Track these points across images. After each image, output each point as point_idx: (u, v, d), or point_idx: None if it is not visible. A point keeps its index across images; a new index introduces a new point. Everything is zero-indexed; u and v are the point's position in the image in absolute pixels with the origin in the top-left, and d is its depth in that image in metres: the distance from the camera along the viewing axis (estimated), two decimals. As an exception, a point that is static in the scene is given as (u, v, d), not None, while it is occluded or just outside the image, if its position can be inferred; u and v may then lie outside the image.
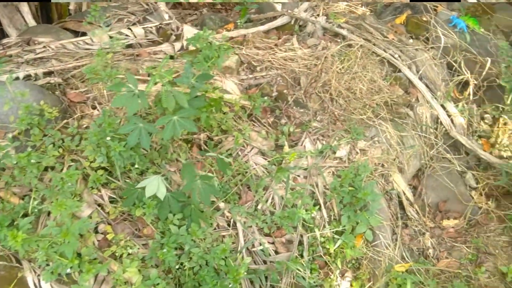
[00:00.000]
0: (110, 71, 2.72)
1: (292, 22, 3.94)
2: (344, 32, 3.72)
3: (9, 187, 2.41)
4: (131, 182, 2.53)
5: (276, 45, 3.63)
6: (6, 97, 2.54)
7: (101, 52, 2.83)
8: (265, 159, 2.88)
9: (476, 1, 4.04)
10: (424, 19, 3.87)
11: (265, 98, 3.13)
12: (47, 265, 2.13)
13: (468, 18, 3.86)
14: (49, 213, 2.33)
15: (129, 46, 3.66)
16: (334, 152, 2.98)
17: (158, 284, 2.18)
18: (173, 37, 3.83)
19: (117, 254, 2.27)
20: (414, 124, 3.33)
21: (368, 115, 3.21)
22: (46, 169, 2.48)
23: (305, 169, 2.88)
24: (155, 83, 2.38)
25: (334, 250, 2.63)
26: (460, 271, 2.86)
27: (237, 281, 2.27)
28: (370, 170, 2.89)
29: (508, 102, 3.47)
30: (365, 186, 2.73)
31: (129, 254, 2.28)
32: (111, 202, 2.48)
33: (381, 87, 3.39)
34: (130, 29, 3.82)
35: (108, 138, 2.38)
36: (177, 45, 3.56)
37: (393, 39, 3.73)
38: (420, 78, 3.54)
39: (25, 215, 2.29)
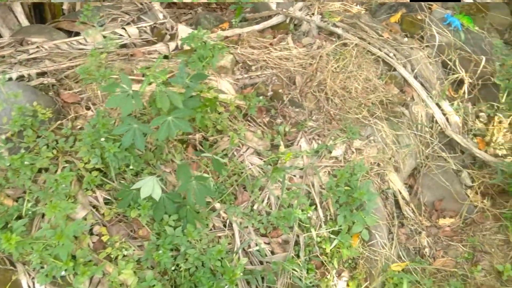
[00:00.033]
0: (104, 71, 2.70)
1: (287, 21, 3.93)
2: (339, 31, 3.72)
3: (3, 189, 2.39)
4: (126, 183, 2.51)
5: (271, 44, 3.62)
6: (-1, 98, 2.52)
7: (95, 52, 2.81)
8: (261, 159, 2.87)
9: (472, 1, 4.04)
10: (419, 17, 3.87)
11: (260, 97, 3.12)
12: (42, 267, 2.11)
13: (463, 17, 3.86)
14: (43, 215, 2.31)
15: (123, 46, 3.64)
16: (330, 152, 2.98)
17: (154, 285, 2.17)
18: (168, 37, 3.81)
19: (112, 256, 2.26)
20: (409, 123, 3.33)
21: (363, 114, 3.21)
22: (40, 170, 2.46)
23: (301, 169, 2.87)
24: (150, 83, 2.37)
25: (331, 250, 2.63)
26: (456, 270, 2.86)
27: (234, 282, 2.26)
28: (366, 169, 2.88)
29: (503, 100, 3.48)
30: (361, 185, 2.72)
31: (124, 255, 2.27)
32: (106, 203, 2.47)
33: (376, 86, 3.39)
34: (124, 28, 3.79)
35: (102, 139, 2.36)
36: (172, 45, 3.53)
37: (388, 37, 3.73)
38: (415, 77, 3.54)
39: (19, 217, 2.27)
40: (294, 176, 2.87)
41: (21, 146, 2.50)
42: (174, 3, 4.98)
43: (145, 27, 3.93)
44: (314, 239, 2.63)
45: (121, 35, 3.72)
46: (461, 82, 3.61)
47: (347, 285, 2.63)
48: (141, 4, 4.24)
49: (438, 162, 3.32)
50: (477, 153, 3.34)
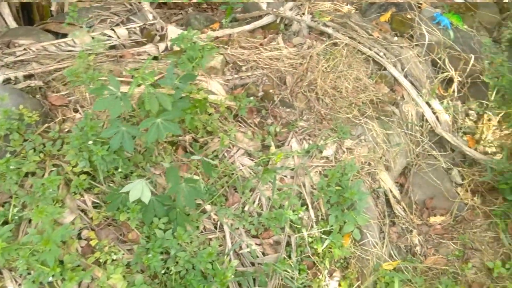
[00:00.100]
0: (92, 73, 2.67)
1: (278, 21, 3.92)
2: (329, 30, 3.71)
3: (-11, 194, 2.35)
4: (115, 186, 2.49)
5: (261, 44, 3.61)
6: (-16, 102, 2.48)
7: (83, 54, 2.78)
8: (252, 160, 2.86)
9: (463, 1, 4.06)
10: (409, 16, 3.88)
11: (251, 98, 3.11)
12: (29, 273, 2.08)
13: (452, 15, 3.88)
14: (30, 220, 2.28)
15: (113, 47, 3.60)
16: (321, 152, 2.98)
17: (143, 289, 2.15)
18: (158, 38, 3.78)
19: (101, 260, 2.23)
20: (400, 122, 3.34)
21: (354, 114, 3.21)
22: (26, 175, 2.43)
23: (292, 169, 2.87)
24: (138, 85, 2.35)
25: (322, 250, 2.63)
26: (447, 267, 2.88)
27: (225, 285, 2.25)
28: (357, 169, 2.89)
29: (492, 98, 3.50)
30: (352, 185, 2.72)
31: (113, 260, 2.25)
32: (94, 207, 2.44)
33: (367, 85, 3.40)
34: (113, 30, 3.75)
35: (90, 142, 2.33)
36: (162, 46, 3.51)
37: (378, 37, 3.73)
38: (405, 76, 3.55)
39: (5, 222, 2.24)
40: (285, 176, 2.86)
41: (7, 150, 2.46)
42: (165, 4, 4.95)
43: (135, 28, 3.90)
44: (305, 239, 2.63)
45: (110, 36, 3.68)
46: (450, 81, 3.63)
47: (339, 285, 2.63)
48: (131, 4, 4.20)
49: (429, 161, 3.34)
50: (467, 151, 3.36)
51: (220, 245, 2.51)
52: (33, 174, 2.44)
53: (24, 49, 3.33)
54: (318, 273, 2.59)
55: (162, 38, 3.72)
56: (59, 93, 2.90)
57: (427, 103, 3.50)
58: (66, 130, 2.67)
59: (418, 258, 2.93)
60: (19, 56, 3.24)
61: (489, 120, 3.53)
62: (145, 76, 2.27)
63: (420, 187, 3.25)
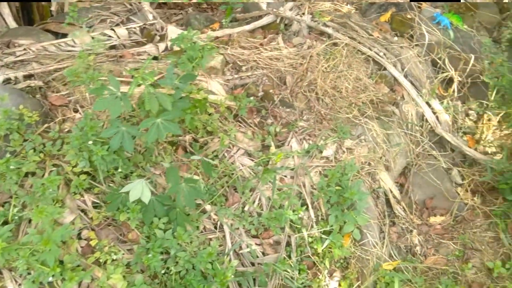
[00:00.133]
0: (92, 73, 2.67)
1: (278, 21, 3.92)
2: (329, 30, 3.71)
3: (-12, 194, 2.35)
4: (115, 186, 2.49)
5: (261, 44, 3.61)
6: (-16, 102, 2.48)
7: (83, 54, 2.78)
8: (252, 160, 2.86)
9: (464, 1, 4.06)
10: (409, 16, 3.88)
11: (251, 98, 3.11)
12: (29, 273, 2.08)
13: (452, 15, 3.88)
14: (30, 220, 2.28)
15: (113, 47, 3.60)
16: (321, 152, 2.97)
17: (143, 290, 2.15)
18: (158, 38, 3.78)
19: (101, 260, 2.23)
20: (400, 122, 3.34)
21: (354, 114, 3.21)
22: (26, 175, 2.43)
23: (292, 169, 2.87)
24: (138, 85, 2.35)
25: (322, 250, 2.63)
26: (447, 267, 2.87)
27: (225, 285, 2.25)
28: (357, 169, 2.89)
29: (492, 98, 3.50)
30: (352, 185, 2.72)
31: (113, 260, 2.25)
32: (94, 207, 2.44)
33: (367, 85, 3.40)
34: (113, 30, 3.75)
35: (90, 142, 2.33)
36: (162, 46, 3.51)
37: (378, 37, 3.73)
38: (405, 76, 3.55)
39: (5, 222, 2.24)
40: (285, 176, 2.86)
41: (7, 150, 2.46)
42: (165, 4, 4.95)
43: (135, 28, 3.90)
44: (305, 239, 2.63)
45: (110, 36, 3.68)
46: (450, 81, 3.63)
47: (339, 285, 2.63)
48: (131, 4, 4.20)
49: (429, 161, 3.33)
50: (467, 151, 3.36)
51: (220, 245, 2.51)
52: (33, 174, 2.44)
53: (24, 49, 3.33)
54: (318, 273, 2.59)
55: (162, 38, 3.72)
56: (59, 93, 2.90)
57: (427, 103, 3.50)
58: (66, 130, 2.67)
59: (418, 258, 2.92)
60: (19, 56, 3.24)
61: (489, 120, 3.53)
62: (145, 76, 2.27)
63: (420, 187, 3.25)
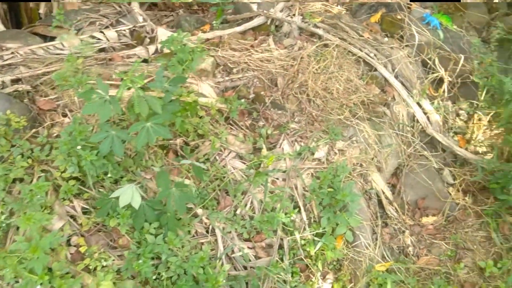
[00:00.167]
0: (81, 77, 2.64)
1: (268, 23, 3.90)
2: (320, 31, 3.71)
3: (-25, 201, 2.31)
4: (104, 191, 2.46)
5: (252, 46, 3.59)
6: (-30, 107, 2.44)
7: (72, 57, 2.75)
8: (243, 163, 2.85)
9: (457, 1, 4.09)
10: (399, 17, 3.90)
11: (242, 100, 3.10)
12: (16, 282, 2.05)
13: (441, 16, 3.90)
14: (18, 228, 2.24)
15: (102, 50, 3.56)
16: (313, 154, 2.97)
17: (134, 296, 2.13)
18: (148, 40, 3.75)
19: (91, 267, 2.20)
20: (391, 123, 3.35)
21: (345, 115, 3.21)
22: (14, 181, 2.39)
23: (284, 172, 2.86)
24: (128, 88, 2.32)
25: (315, 252, 2.62)
26: (439, 267, 2.88)
27: (217, 289, 2.23)
28: (349, 170, 2.89)
29: (482, 98, 3.52)
30: (344, 186, 2.72)
31: (103, 266, 2.22)
32: (84, 213, 2.41)
33: (358, 86, 3.40)
34: (102, 32, 3.71)
35: (79, 147, 2.30)
36: (152, 48, 3.48)
37: (368, 37, 3.74)
38: (396, 77, 3.56)
39: (-7, 230, 2.20)
40: (277, 179, 2.85)
41: (-6, 156, 2.42)
42: (155, 5, 4.91)
43: (124, 30, 3.86)
44: (298, 242, 2.62)
45: (99, 39, 3.64)
46: (440, 81, 3.64)
47: (332, 287, 2.63)
48: (120, 6, 4.16)
49: (420, 161, 3.34)
50: (458, 151, 3.37)
51: (212, 249, 2.49)
52: (21, 180, 2.40)
53: (12, 52, 3.29)
54: (311, 276, 2.59)
55: (152, 40, 3.69)
56: (47, 97, 2.86)
57: (418, 103, 3.51)
58: (55, 135, 2.64)
59: (410, 258, 2.93)
60: (6, 60, 3.19)
61: (480, 120, 3.55)
62: (134, 79, 2.25)
63: (412, 188, 3.26)
